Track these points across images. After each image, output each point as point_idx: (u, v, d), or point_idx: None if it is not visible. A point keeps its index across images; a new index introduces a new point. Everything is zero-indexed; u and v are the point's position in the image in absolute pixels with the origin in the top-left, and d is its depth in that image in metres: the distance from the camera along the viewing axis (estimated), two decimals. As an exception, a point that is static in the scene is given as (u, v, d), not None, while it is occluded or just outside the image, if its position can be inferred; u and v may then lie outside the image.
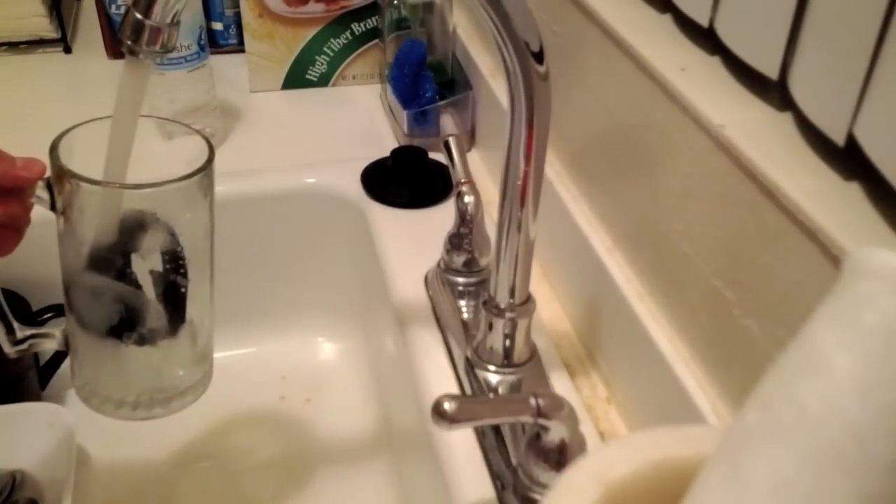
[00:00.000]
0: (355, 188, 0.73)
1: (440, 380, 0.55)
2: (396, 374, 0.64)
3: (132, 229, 0.43)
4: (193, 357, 0.48)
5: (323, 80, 0.89)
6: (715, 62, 0.44)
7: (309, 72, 0.89)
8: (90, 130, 0.44)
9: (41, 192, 0.43)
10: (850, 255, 0.22)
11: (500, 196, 0.46)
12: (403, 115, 0.77)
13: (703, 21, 0.45)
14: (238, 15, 0.88)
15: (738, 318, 0.40)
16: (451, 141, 0.59)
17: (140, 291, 0.44)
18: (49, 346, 0.48)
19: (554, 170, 0.61)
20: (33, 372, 0.68)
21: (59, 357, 0.70)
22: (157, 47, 0.42)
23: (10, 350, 0.47)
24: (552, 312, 0.61)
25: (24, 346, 0.47)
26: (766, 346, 0.38)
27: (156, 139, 0.47)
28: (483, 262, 0.59)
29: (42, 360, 0.70)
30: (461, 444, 0.50)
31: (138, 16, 0.41)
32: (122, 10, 0.71)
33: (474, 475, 0.48)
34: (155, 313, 0.45)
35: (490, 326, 0.50)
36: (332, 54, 0.88)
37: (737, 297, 0.40)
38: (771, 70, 0.39)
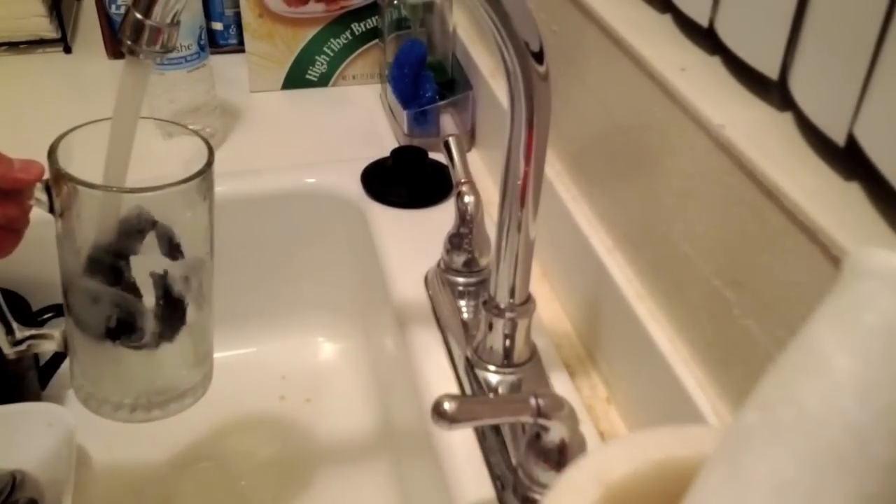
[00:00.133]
0: (355, 188, 0.73)
1: (440, 380, 0.55)
2: (396, 374, 0.64)
3: (131, 232, 0.43)
4: (192, 359, 0.48)
5: (323, 80, 0.89)
6: (715, 62, 0.44)
7: (309, 72, 0.88)
8: (89, 133, 0.44)
9: (39, 194, 0.43)
10: (850, 255, 0.22)
11: (500, 196, 0.46)
12: (403, 115, 0.77)
13: (703, 21, 0.45)
14: (238, 15, 0.88)
15: (738, 318, 0.40)
16: (451, 141, 0.59)
17: (139, 294, 0.44)
18: (48, 348, 0.48)
19: (554, 170, 0.61)
20: (33, 372, 0.68)
21: (58, 357, 0.70)
22: (157, 47, 0.42)
23: (9, 351, 0.46)
24: (552, 312, 0.61)
25: (24, 346, 0.47)
26: (766, 346, 0.38)
27: (156, 140, 0.47)
28: (483, 262, 0.59)
29: (42, 361, 0.70)
30: (461, 444, 0.50)
31: (138, 16, 0.41)
32: (122, 10, 0.71)
33: (474, 475, 0.48)
34: (154, 316, 0.45)
35: (490, 326, 0.50)
36: (332, 54, 0.88)
37: (737, 297, 0.40)
38: (771, 70, 0.39)
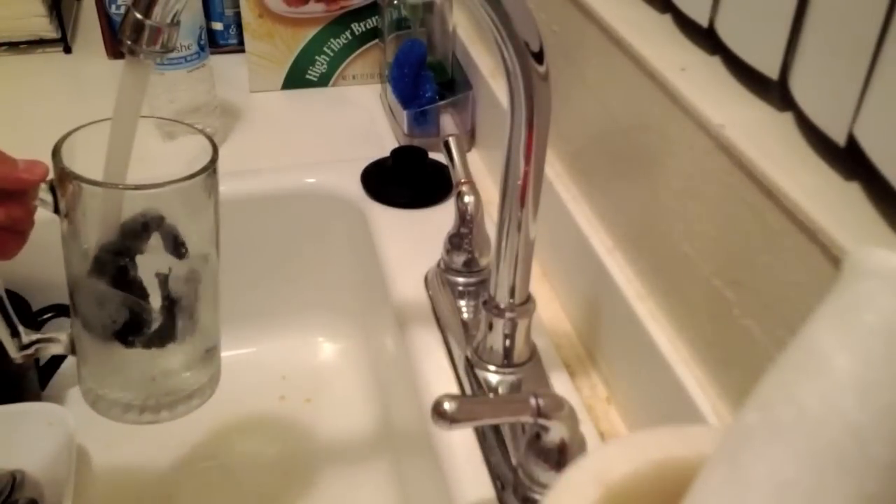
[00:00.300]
0: (355, 188, 0.73)
1: (440, 380, 0.55)
2: (396, 374, 0.64)
3: (137, 231, 0.43)
4: (200, 359, 0.48)
5: (323, 80, 0.89)
6: (715, 62, 0.44)
7: (309, 72, 0.88)
8: (92, 132, 0.44)
9: (44, 194, 0.42)
10: (850, 255, 0.22)
11: (500, 196, 0.46)
12: (403, 115, 0.77)
13: (703, 21, 0.44)
14: (238, 15, 0.88)
15: (738, 318, 0.40)
16: (451, 141, 0.59)
17: (145, 294, 0.44)
18: (55, 351, 0.48)
19: (554, 170, 0.61)
20: (33, 372, 0.68)
21: (58, 357, 0.70)
22: (157, 47, 0.42)
23: (16, 355, 0.46)
24: (552, 312, 0.61)
25: (31, 350, 0.47)
26: (766, 346, 0.38)
27: (159, 139, 0.47)
28: (483, 262, 0.59)
29: (42, 361, 0.70)
30: (461, 444, 0.50)
31: (138, 16, 0.41)
32: (122, 10, 0.70)
33: (474, 475, 0.48)
34: (161, 316, 0.45)
35: (490, 326, 0.50)
36: (332, 54, 0.88)
37: (737, 297, 0.40)
38: (771, 70, 0.39)
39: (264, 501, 0.67)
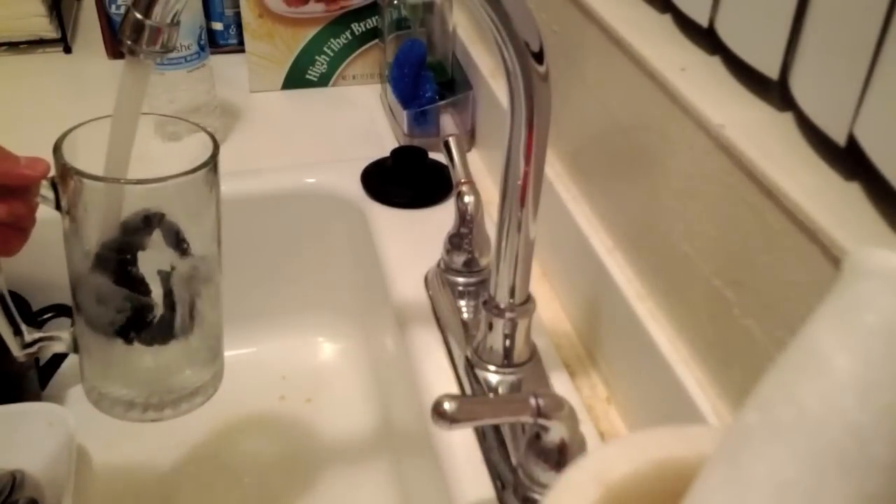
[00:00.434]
0: (355, 188, 0.73)
1: (440, 380, 0.55)
2: (396, 374, 0.64)
3: (138, 227, 0.43)
4: (203, 357, 0.48)
5: (323, 80, 0.89)
6: (715, 62, 0.44)
7: (309, 72, 0.88)
8: (93, 129, 0.44)
9: (46, 191, 0.42)
10: (850, 255, 0.22)
11: (500, 196, 0.46)
12: (403, 115, 0.77)
13: (703, 21, 0.44)
14: (238, 15, 0.88)
15: (738, 318, 0.40)
16: (451, 141, 0.59)
17: (148, 290, 0.44)
18: (58, 349, 0.48)
19: (554, 170, 0.61)
20: (33, 372, 0.68)
21: (58, 357, 0.70)
22: (157, 47, 0.42)
23: (18, 353, 0.46)
24: (552, 312, 0.61)
25: (33, 349, 0.47)
26: (766, 346, 0.38)
27: (160, 138, 0.47)
28: (483, 262, 0.59)
29: (42, 360, 0.70)
30: (461, 444, 0.50)
31: (138, 16, 0.41)
32: (122, 10, 0.71)
33: (474, 475, 0.48)
34: (163, 313, 0.45)
35: (490, 326, 0.50)
36: (332, 54, 0.88)
37: (737, 297, 0.40)
38: (771, 70, 0.39)
39: (264, 501, 0.67)
